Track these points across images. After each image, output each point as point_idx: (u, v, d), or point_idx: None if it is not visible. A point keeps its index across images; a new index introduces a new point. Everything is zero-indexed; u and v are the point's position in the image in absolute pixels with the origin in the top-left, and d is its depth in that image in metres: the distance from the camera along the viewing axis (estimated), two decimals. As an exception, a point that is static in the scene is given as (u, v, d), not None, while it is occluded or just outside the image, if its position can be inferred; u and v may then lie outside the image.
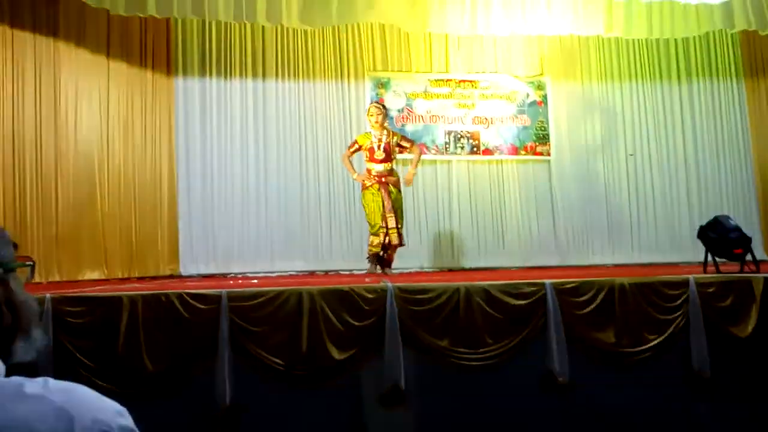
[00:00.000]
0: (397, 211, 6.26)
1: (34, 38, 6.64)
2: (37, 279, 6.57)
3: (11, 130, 6.48)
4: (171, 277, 7.41)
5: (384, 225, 6.15)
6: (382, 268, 6.34)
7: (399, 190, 6.36)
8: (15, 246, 1.23)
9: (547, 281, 4.49)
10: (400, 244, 6.26)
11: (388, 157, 6.34)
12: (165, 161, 7.87)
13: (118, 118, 7.44)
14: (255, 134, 8.05)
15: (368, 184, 6.30)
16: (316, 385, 4.14)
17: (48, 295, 3.95)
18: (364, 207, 6.41)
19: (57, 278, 6.59)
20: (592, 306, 4.48)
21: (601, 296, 4.49)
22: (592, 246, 8.22)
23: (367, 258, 6.43)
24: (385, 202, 6.17)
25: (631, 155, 8.45)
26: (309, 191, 7.97)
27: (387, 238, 6.16)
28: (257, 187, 7.98)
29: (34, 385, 1.04)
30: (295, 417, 4.07)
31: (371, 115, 6.44)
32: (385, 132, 6.37)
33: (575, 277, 4.79)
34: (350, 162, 6.51)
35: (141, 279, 7.12)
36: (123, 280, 6.97)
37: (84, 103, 7.15)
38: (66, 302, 3.95)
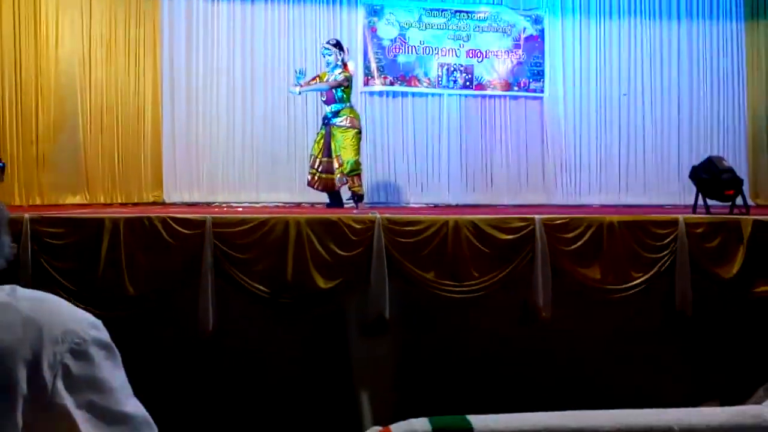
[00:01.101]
0: (339, 153, 6.14)
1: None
2: (17, 202, 6.46)
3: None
4: (154, 203, 7.30)
5: (312, 166, 6.24)
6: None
7: (345, 129, 6.21)
8: None
9: (537, 216, 4.45)
10: (319, 188, 6.30)
11: (330, 99, 6.24)
12: (149, 84, 7.63)
13: (101, 38, 7.18)
14: (242, 60, 7.81)
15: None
16: (301, 313, 4.12)
17: (27, 216, 3.85)
18: None
19: (38, 202, 6.49)
20: (581, 242, 4.46)
21: (590, 233, 4.46)
22: (581, 185, 8.18)
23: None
24: (322, 145, 6.19)
25: (625, 95, 8.32)
26: (297, 121, 7.81)
27: (315, 179, 6.22)
28: (243, 114, 7.80)
29: (2, 293, 0.95)
30: (278, 344, 4.07)
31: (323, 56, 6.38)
32: (330, 74, 6.26)
33: (562, 214, 4.75)
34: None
35: (124, 205, 7.00)
36: (105, 205, 6.86)
37: (66, 20, 6.88)
38: (45, 223, 3.85)
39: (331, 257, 4.18)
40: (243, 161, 7.72)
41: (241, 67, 7.78)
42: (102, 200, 7.05)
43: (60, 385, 0.90)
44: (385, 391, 4.18)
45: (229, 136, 7.74)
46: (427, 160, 8.07)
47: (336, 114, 6.22)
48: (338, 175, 6.16)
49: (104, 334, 0.99)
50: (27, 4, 6.48)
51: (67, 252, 3.85)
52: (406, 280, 4.34)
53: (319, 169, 6.26)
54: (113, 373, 0.96)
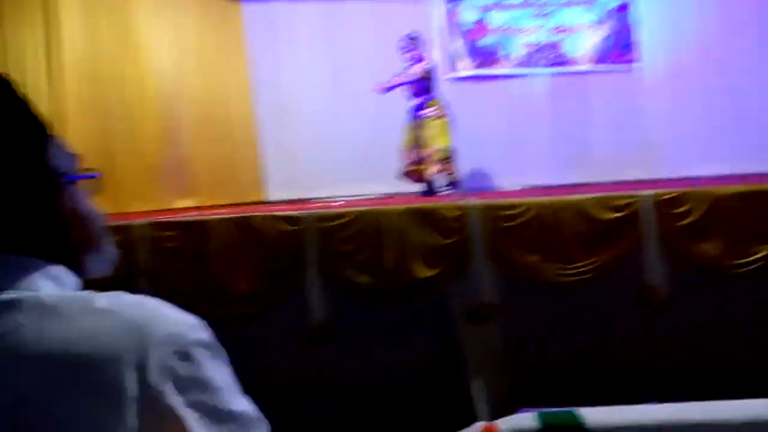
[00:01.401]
0: (430, 142, 6.09)
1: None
2: (132, 209, 6.83)
3: (92, 68, 6.59)
4: (257, 203, 7.53)
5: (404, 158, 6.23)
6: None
7: (434, 118, 6.18)
8: (76, 158, 1.17)
9: (644, 192, 4.25)
10: (413, 179, 6.26)
11: (416, 92, 6.26)
12: (240, 90, 7.86)
13: (191, 48, 7.45)
14: (329, 57, 7.90)
15: None
16: (404, 302, 4.13)
17: (139, 222, 4.06)
18: None
19: (150, 208, 6.81)
20: (693, 217, 4.22)
21: (702, 207, 4.21)
22: (687, 157, 7.74)
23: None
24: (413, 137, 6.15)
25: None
26: (387, 113, 7.79)
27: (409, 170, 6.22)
28: (333, 110, 7.89)
29: (104, 299, 0.98)
30: (385, 333, 4.09)
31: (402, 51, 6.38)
32: (410, 68, 6.28)
33: (670, 188, 4.51)
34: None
35: (229, 206, 7.26)
36: (212, 207, 7.12)
37: (158, 33, 7.16)
38: (158, 227, 4.05)
39: (430, 246, 4.16)
40: (337, 156, 7.81)
41: (329, 65, 7.87)
42: (208, 203, 7.33)
43: (168, 387, 0.91)
44: (498, 378, 4.12)
45: (321, 132, 7.85)
46: (520, 142, 7.87)
47: (423, 105, 6.21)
48: (431, 164, 6.13)
49: (206, 335, 1.00)
50: (120, 21, 6.79)
51: (179, 254, 4.03)
52: (509, 265, 4.26)
53: (412, 161, 6.26)
54: (218, 372, 0.96)
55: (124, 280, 4.02)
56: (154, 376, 0.88)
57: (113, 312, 0.93)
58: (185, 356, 0.91)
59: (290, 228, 4.10)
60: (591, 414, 1.16)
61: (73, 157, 1.14)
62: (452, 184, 6.20)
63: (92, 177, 1.23)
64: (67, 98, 6.31)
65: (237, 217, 4.14)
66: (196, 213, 5.42)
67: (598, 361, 4.11)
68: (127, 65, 6.85)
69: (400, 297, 4.14)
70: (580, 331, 4.24)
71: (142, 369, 0.89)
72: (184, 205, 6.99)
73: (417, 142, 6.22)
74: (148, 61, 7.03)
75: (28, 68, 6.29)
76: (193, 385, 0.91)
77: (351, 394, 3.98)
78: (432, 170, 6.18)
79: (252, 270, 4.10)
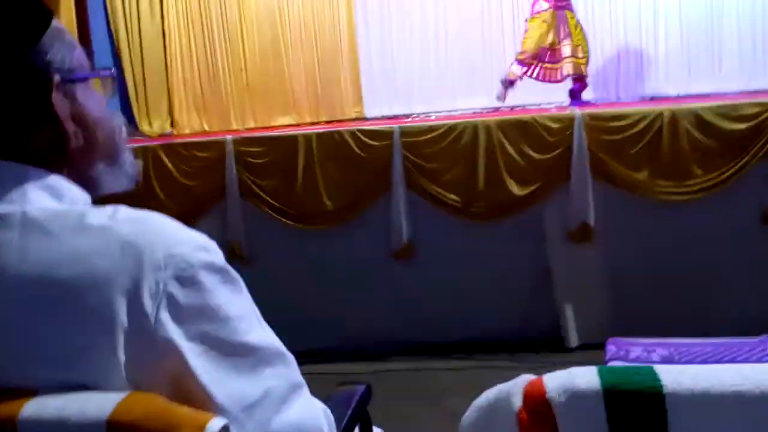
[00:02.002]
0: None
1: None
2: (234, 126, 6.98)
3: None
4: (356, 119, 7.43)
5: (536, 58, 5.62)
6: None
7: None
8: (83, 55, 1.01)
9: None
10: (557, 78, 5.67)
11: None
12: (343, 4, 7.67)
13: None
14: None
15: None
16: (496, 221, 3.91)
17: (229, 138, 4.06)
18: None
19: (252, 125, 6.94)
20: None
21: None
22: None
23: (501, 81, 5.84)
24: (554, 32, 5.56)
25: None
26: (492, 24, 7.35)
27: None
28: (436, 21, 7.52)
29: (99, 214, 0.84)
30: (474, 253, 3.92)
31: None
32: None
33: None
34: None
35: (329, 122, 7.23)
36: (312, 124, 7.12)
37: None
38: (246, 143, 4.04)
39: (526, 161, 3.87)
40: (438, 70, 7.50)
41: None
42: (308, 120, 7.33)
43: (165, 316, 0.79)
44: (591, 305, 3.86)
45: (423, 47, 7.54)
46: (642, 48, 7.16)
47: None
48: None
49: (217, 257, 0.85)
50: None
51: (267, 169, 4.01)
52: (614, 181, 3.91)
53: (546, 60, 5.80)
54: (231, 300, 0.83)
55: (216, 192, 4.12)
56: (148, 304, 0.77)
57: (108, 229, 0.80)
58: (188, 280, 0.79)
59: (377, 144, 3.96)
60: (672, 376, 0.76)
61: (78, 52, 0.99)
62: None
63: (103, 76, 1.09)
64: (169, 13, 6.39)
65: (323, 133, 4.04)
66: (291, 129, 5.39)
67: (703, 294, 3.74)
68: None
69: (492, 215, 3.92)
70: (688, 258, 3.85)
71: (135, 295, 0.76)
72: (284, 122, 7.05)
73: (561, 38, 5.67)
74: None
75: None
76: (196, 315, 0.79)
77: (435, 313, 3.88)
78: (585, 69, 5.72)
79: (340, 185, 4.02)
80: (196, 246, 0.84)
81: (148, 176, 3.96)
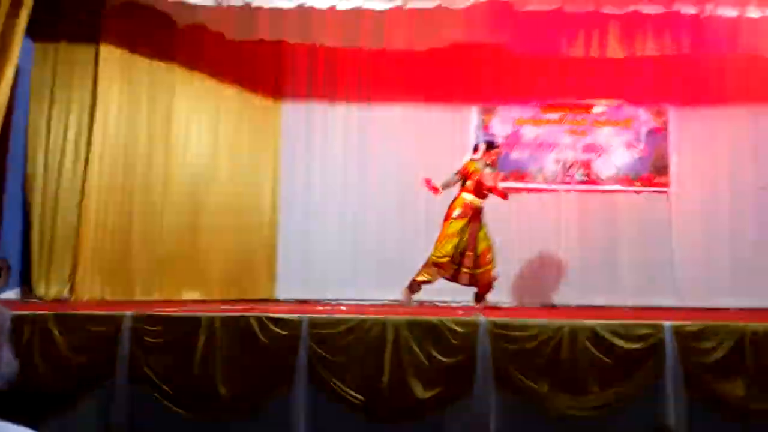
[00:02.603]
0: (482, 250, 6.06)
1: (150, 63, 6.82)
2: (138, 296, 6.68)
3: (123, 152, 6.65)
4: (265, 300, 7.35)
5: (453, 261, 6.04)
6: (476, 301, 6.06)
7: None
8: None
9: (666, 323, 3.95)
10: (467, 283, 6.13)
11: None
12: (268, 185, 7.91)
13: (225, 142, 7.54)
14: (358, 159, 7.96)
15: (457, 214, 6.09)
16: (396, 423, 3.80)
17: (128, 313, 3.89)
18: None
19: (157, 297, 6.67)
20: (719, 354, 3.88)
21: (729, 343, 3.88)
22: (715, 287, 7.36)
23: (408, 286, 6.09)
24: (471, 238, 6.02)
25: (762, 189, 7.55)
26: (407, 219, 7.74)
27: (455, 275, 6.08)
28: (356, 213, 7.87)
29: None
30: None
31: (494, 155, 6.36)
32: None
33: (695, 319, 4.19)
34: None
35: (237, 301, 7.08)
36: (221, 302, 6.95)
37: (194, 126, 7.28)
38: (145, 321, 3.87)
39: (431, 363, 3.88)
40: (355, 260, 7.71)
41: (357, 167, 7.92)
42: (217, 296, 7.16)
43: None
44: None
45: (342, 237, 7.79)
46: (543, 258, 7.64)
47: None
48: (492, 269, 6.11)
49: None
50: (160, 110, 6.92)
51: (163, 350, 3.82)
52: (515, 391, 3.93)
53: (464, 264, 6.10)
54: None
55: (104, 371, 3.84)
56: None
57: None
58: None
59: (283, 333, 3.89)
60: None
61: None
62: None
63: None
64: (92, 177, 6.30)
65: (227, 317, 3.94)
66: (198, 307, 5.23)
67: None
68: (158, 154, 6.90)
69: (394, 418, 3.82)
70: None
71: None
72: (190, 297, 6.85)
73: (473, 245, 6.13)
74: (180, 153, 7.09)
75: (68, 144, 6.34)
76: None
77: None
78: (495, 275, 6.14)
79: (239, 372, 3.85)
80: None
81: (30, 346, 3.68)
